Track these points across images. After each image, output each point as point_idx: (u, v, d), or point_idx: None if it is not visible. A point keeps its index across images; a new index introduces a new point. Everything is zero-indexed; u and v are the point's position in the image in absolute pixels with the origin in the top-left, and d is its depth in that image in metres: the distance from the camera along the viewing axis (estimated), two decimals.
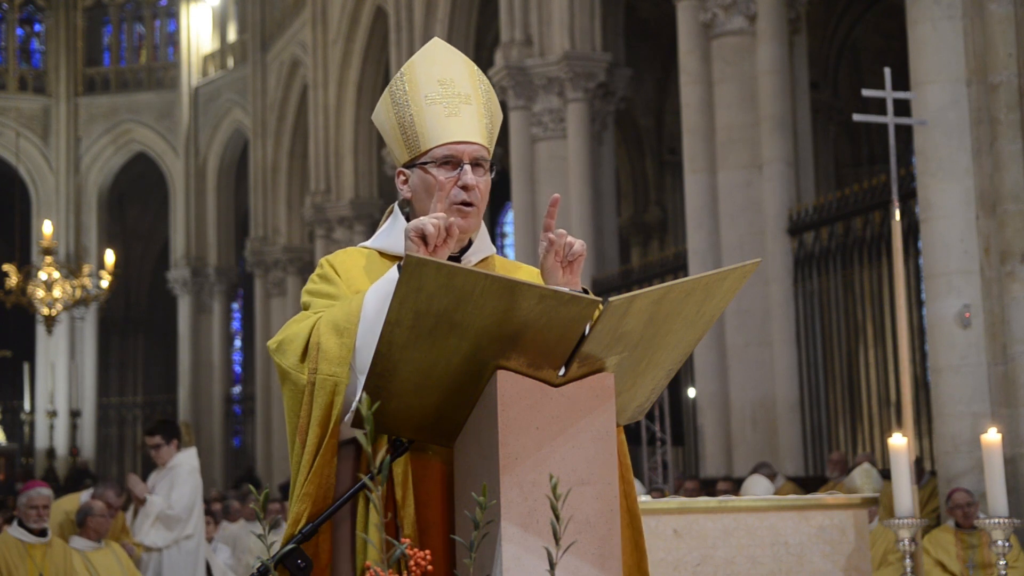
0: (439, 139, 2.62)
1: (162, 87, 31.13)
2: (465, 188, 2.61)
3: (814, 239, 12.40)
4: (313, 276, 2.71)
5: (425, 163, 2.64)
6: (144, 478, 8.80)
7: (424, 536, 2.45)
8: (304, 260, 26.21)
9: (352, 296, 2.56)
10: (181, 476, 8.44)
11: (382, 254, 2.71)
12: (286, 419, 2.58)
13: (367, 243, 2.79)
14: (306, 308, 2.65)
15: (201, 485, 8.58)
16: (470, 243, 2.70)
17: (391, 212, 2.80)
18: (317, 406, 2.48)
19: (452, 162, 2.62)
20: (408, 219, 2.69)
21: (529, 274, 2.71)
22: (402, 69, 2.70)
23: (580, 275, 2.58)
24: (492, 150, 2.71)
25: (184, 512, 8.37)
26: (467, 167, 2.61)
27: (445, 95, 2.64)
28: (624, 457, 2.58)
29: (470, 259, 2.69)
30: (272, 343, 2.58)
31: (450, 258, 2.62)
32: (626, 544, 2.53)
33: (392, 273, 2.52)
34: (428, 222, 2.48)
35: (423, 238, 2.47)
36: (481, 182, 2.64)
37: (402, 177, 2.72)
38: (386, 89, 2.72)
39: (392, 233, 2.71)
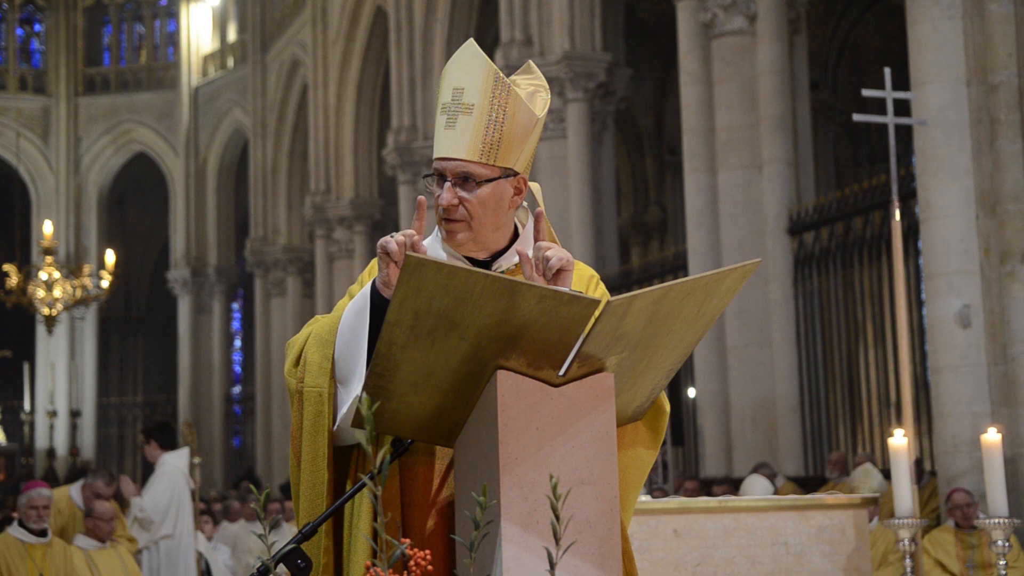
0: (435, 153, 2.65)
1: (162, 87, 31.14)
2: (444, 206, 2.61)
3: (814, 239, 12.40)
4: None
5: (427, 174, 2.69)
6: (144, 478, 8.90)
7: (418, 540, 2.46)
8: (304, 260, 26.21)
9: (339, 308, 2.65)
10: (157, 477, 8.57)
11: None
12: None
13: None
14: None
15: (182, 485, 8.60)
16: (506, 248, 2.68)
17: None
18: (307, 416, 2.57)
19: (441, 179, 2.63)
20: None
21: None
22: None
23: (570, 285, 2.53)
24: (503, 160, 2.62)
25: (155, 514, 8.41)
26: (447, 184, 2.60)
27: (453, 104, 2.62)
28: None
29: (500, 264, 2.66)
30: (286, 346, 2.71)
31: (481, 264, 2.63)
32: None
33: (367, 289, 2.57)
34: (393, 239, 2.51)
35: (388, 254, 2.51)
36: (471, 196, 2.59)
37: None
38: None
39: (433, 235, 2.73)
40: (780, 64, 12.49)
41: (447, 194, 2.60)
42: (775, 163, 12.36)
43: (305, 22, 25.27)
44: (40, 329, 25.89)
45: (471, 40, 2.70)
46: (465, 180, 2.60)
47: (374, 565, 2.01)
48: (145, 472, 9.58)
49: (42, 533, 7.22)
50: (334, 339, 2.56)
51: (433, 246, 2.68)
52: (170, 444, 8.82)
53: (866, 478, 9.81)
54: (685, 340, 2.44)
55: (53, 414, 29.89)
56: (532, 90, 2.69)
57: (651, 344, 2.38)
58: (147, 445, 8.72)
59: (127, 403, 32.83)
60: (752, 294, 12.14)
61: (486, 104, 2.61)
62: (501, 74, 2.66)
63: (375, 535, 2.20)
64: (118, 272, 22.38)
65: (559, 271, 2.49)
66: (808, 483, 11.38)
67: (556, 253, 2.51)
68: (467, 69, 2.63)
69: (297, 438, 2.59)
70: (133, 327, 34.11)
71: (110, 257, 20.85)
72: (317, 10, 24.36)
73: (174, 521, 8.49)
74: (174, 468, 8.56)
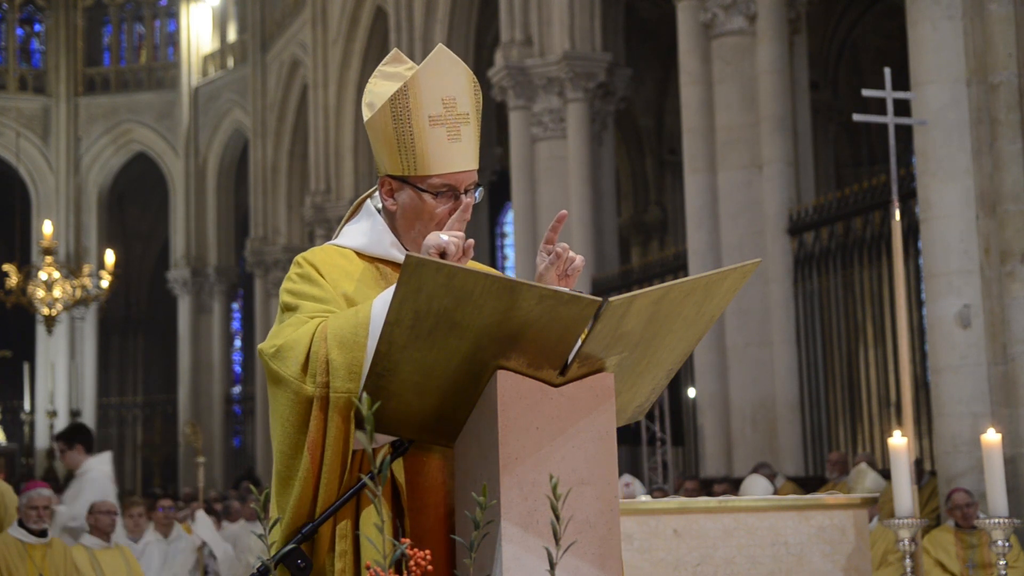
0: (440, 168, 2.59)
1: (162, 87, 31.14)
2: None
3: (814, 239, 12.40)
4: (291, 275, 2.66)
5: (421, 188, 2.61)
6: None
7: (421, 542, 2.45)
8: None
9: (356, 308, 2.51)
10: (87, 484, 8.20)
11: (359, 254, 2.70)
12: (278, 425, 2.48)
13: (339, 241, 2.75)
14: (289, 308, 2.59)
15: (112, 491, 8.26)
16: None
17: (360, 209, 2.77)
18: (334, 424, 2.42)
19: (451, 192, 2.61)
20: (391, 227, 2.69)
21: None
22: (406, 81, 2.60)
23: (575, 287, 2.59)
24: None
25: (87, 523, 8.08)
26: (463, 197, 2.62)
27: (448, 115, 2.58)
28: None
29: None
30: (268, 348, 2.50)
31: None
32: None
33: None
34: (450, 241, 2.48)
35: (443, 256, 2.47)
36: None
37: (388, 187, 2.67)
38: (386, 97, 2.62)
39: (372, 234, 2.70)
40: (780, 64, 12.49)
41: (468, 209, 2.63)
42: (775, 163, 12.36)
43: (305, 22, 25.28)
44: (40, 329, 25.87)
45: (442, 46, 2.67)
46: (466, 189, 2.64)
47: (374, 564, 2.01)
48: (146, 472, 9.39)
49: (42, 533, 7.21)
50: (363, 341, 2.41)
51: (382, 243, 2.68)
52: (91, 448, 8.49)
53: (860, 478, 9.81)
54: (685, 340, 2.44)
55: (53, 414, 29.87)
56: None
57: (651, 344, 2.38)
58: (70, 451, 8.23)
59: (127, 403, 32.82)
60: (752, 294, 12.14)
61: (474, 110, 2.64)
62: (473, 74, 2.69)
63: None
64: (118, 272, 22.37)
65: (575, 272, 2.58)
66: (808, 483, 11.38)
67: (580, 256, 2.60)
68: (451, 77, 2.61)
69: (318, 447, 2.42)
70: (133, 327, 34.11)
71: (110, 257, 20.83)
72: (317, 10, 24.37)
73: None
74: (101, 474, 8.23)
